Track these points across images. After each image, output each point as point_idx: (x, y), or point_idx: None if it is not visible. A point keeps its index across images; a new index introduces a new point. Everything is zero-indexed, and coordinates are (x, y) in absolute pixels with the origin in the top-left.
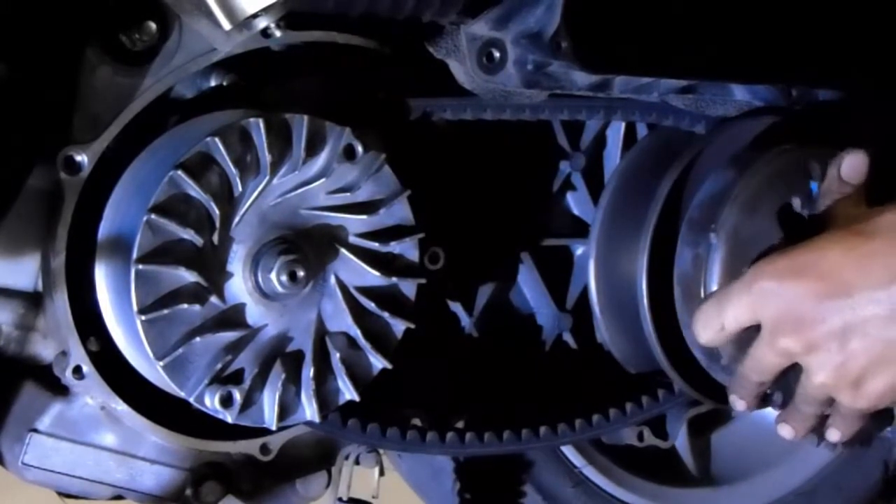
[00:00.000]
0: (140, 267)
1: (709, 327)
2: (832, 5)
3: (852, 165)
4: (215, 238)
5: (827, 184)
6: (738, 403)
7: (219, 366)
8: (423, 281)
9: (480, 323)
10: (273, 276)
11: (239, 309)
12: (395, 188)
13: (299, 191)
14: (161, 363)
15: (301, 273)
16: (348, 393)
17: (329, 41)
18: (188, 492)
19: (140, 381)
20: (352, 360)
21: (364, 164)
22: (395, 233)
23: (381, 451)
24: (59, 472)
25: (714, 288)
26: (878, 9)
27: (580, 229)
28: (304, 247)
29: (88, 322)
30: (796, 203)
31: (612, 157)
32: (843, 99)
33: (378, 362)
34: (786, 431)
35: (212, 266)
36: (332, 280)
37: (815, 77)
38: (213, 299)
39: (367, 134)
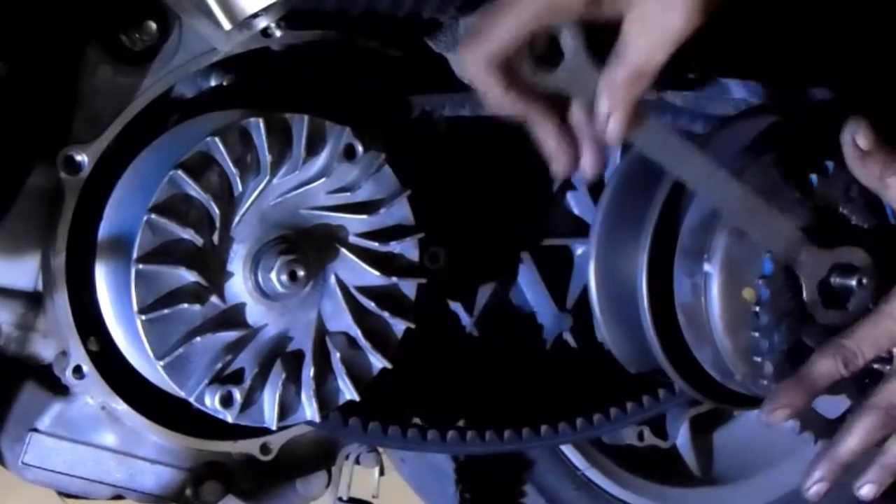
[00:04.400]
0: (140, 266)
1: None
2: (832, 4)
3: (860, 132)
4: (215, 238)
5: (852, 162)
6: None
7: (219, 365)
8: (423, 281)
9: (480, 323)
10: (273, 275)
11: (239, 309)
12: (396, 188)
13: (299, 190)
14: (161, 363)
15: (301, 273)
16: (348, 393)
17: (329, 41)
18: (188, 491)
19: (140, 380)
20: (352, 360)
21: (364, 164)
22: (395, 232)
23: (382, 450)
24: (59, 472)
25: (716, 314)
26: (877, 8)
27: (580, 229)
28: (304, 246)
29: (88, 322)
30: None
31: (612, 156)
32: (843, 99)
33: (378, 362)
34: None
35: (212, 266)
36: (333, 280)
37: (814, 76)
38: (214, 299)
39: (367, 133)
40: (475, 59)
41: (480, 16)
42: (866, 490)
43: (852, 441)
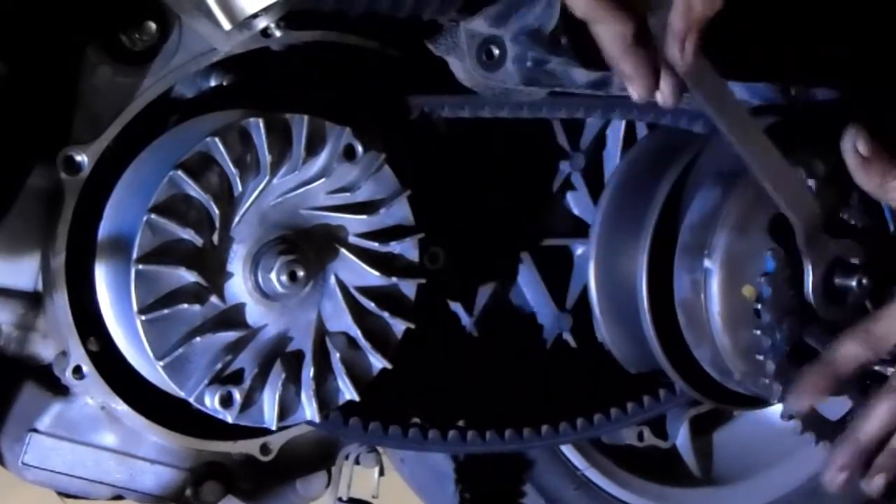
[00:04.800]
0: (140, 267)
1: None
2: (832, 4)
3: (859, 139)
4: (215, 238)
5: (853, 168)
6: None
7: (219, 366)
8: (423, 281)
9: (480, 323)
10: (273, 275)
11: (239, 309)
12: (395, 188)
13: (299, 191)
14: (161, 363)
15: (301, 273)
16: (348, 393)
17: (329, 41)
18: (188, 492)
19: (140, 381)
20: (352, 360)
21: (364, 164)
22: (395, 233)
23: (382, 450)
24: (59, 472)
25: (716, 311)
26: (877, 9)
27: (580, 229)
28: (304, 247)
29: (88, 322)
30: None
31: (612, 156)
32: (843, 99)
33: (378, 362)
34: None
35: (212, 266)
36: (332, 280)
37: (814, 76)
38: (213, 299)
39: (367, 133)
40: None
41: None
42: (878, 481)
43: (871, 426)
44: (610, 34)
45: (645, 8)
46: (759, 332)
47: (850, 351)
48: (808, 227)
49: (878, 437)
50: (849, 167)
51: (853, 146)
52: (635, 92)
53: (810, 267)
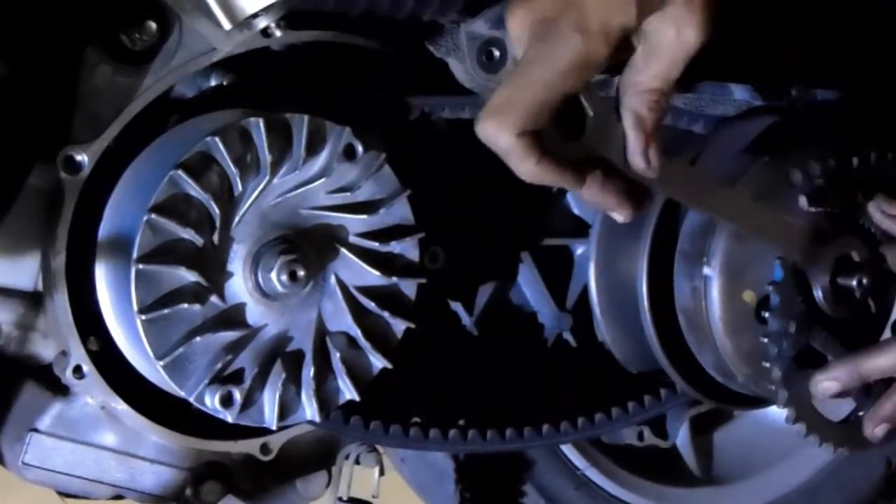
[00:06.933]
0: (140, 266)
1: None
2: (832, 5)
3: (885, 204)
4: (215, 238)
5: (893, 231)
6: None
7: (219, 365)
8: (423, 280)
9: (481, 322)
10: (273, 275)
11: (239, 308)
12: (395, 188)
13: (299, 190)
14: (161, 363)
15: (301, 273)
16: (348, 392)
17: (329, 41)
18: (188, 491)
19: (140, 380)
20: (352, 360)
21: (364, 164)
22: (395, 232)
23: (382, 450)
24: (59, 472)
25: (717, 317)
26: (877, 9)
27: (580, 229)
28: (305, 246)
29: (88, 322)
30: (802, 202)
31: None
32: (843, 99)
33: (378, 362)
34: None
35: (212, 266)
36: (333, 280)
37: (814, 76)
38: (214, 299)
39: (367, 133)
40: (506, 130)
41: (503, 86)
42: (880, 430)
43: (882, 360)
44: (587, 194)
45: (598, 149)
46: (766, 340)
47: (884, 363)
48: (803, 253)
49: (880, 373)
50: (888, 231)
51: (881, 212)
52: (622, 217)
53: (817, 281)
